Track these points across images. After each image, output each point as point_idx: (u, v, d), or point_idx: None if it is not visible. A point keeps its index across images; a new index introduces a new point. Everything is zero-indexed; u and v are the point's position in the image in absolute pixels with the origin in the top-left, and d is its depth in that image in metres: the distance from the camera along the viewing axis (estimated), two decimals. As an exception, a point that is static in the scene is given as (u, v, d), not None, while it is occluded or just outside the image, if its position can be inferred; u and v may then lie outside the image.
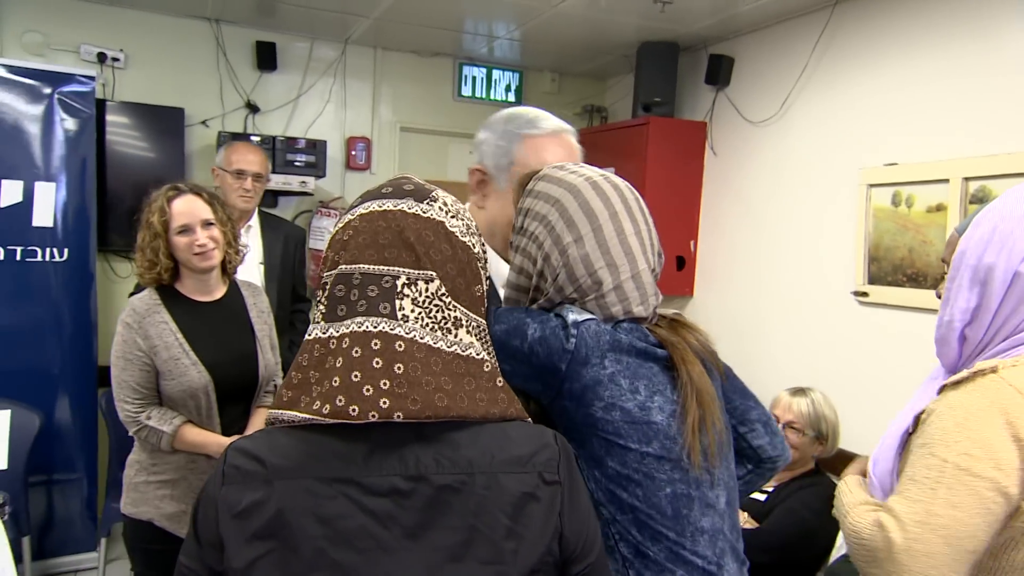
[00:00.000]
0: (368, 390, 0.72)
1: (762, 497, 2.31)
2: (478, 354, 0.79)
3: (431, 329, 0.77)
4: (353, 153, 3.81)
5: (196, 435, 1.87)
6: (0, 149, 2.91)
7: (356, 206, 0.83)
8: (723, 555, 0.98)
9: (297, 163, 3.54)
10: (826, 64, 2.97)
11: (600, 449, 0.95)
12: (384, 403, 0.72)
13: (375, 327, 0.75)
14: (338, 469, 0.73)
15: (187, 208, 1.88)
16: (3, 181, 2.92)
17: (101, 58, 3.26)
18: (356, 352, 0.74)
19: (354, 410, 0.71)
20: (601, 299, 1.00)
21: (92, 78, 3.07)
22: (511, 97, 4.14)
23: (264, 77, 3.62)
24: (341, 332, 0.76)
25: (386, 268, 0.77)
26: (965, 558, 0.93)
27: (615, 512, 0.96)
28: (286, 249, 2.87)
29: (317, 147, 3.57)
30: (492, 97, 4.10)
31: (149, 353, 1.84)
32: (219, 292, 2.00)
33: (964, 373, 1.01)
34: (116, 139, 3.28)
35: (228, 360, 1.90)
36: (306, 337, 0.79)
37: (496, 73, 4.10)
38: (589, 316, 0.98)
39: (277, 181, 3.45)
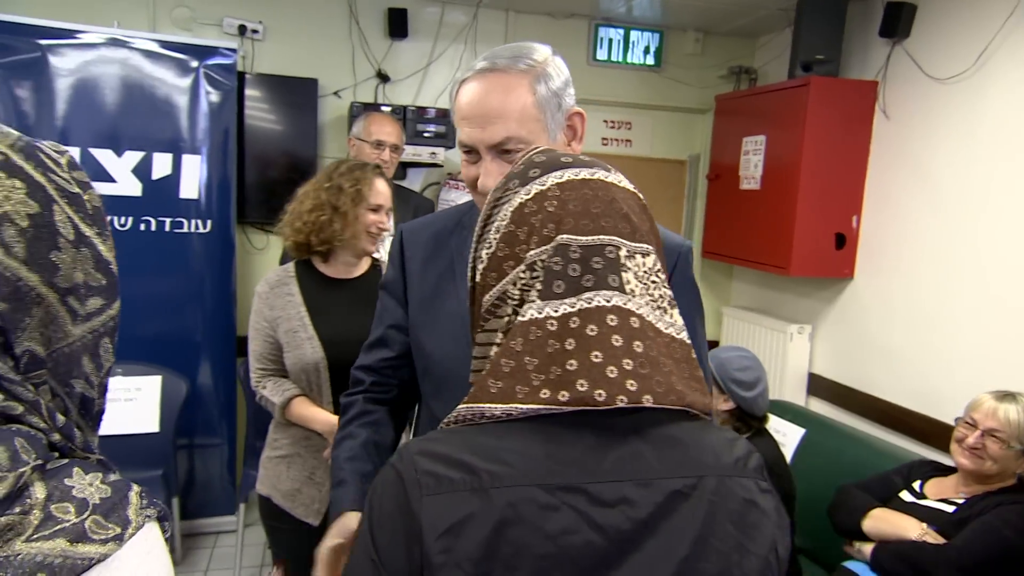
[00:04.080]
0: (612, 371, 0.64)
1: (950, 508, 2.00)
2: (688, 339, 0.72)
3: (652, 307, 0.69)
4: (483, 123, 3.68)
5: (305, 409, 1.83)
6: (153, 123, 3.01)
7: (537, 177, 0.72)
8: None
9: (427, 134, 3.45)
10: (1040, 7, 2.49)
11: None
12: (632, 385, 0.64)
13: (608, 301, 0.67)
14: (562, 475, 0.63)
15: (384, 191, 1.92)
16: (155, 154, 3.03)
17: (242, 30, 3.30)
18: (591, 330, 0.65)
19: (600, 395, 0.63)
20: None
21: (234, 51, 3.10)
22: (649, 60, 3.85)
23: (395, 45, 3.55)
24: (563, 312, 0.66)
25: (607, 237, 0.69)
26: None
27: None
28: None
29: (448, 117, 3.47)
30: (629, 60, 3.83)
31: (272, 324, 1.85)
32: (357, 272, 1.97)
33: None
34: (253, 112, 3.32)
35: (349, 340, 1.80)
36: (519, 319, 0.68)
37: (634, 34, 3.81)
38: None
39: (407, 152, 3.37)
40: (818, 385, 3.44)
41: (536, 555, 0.60)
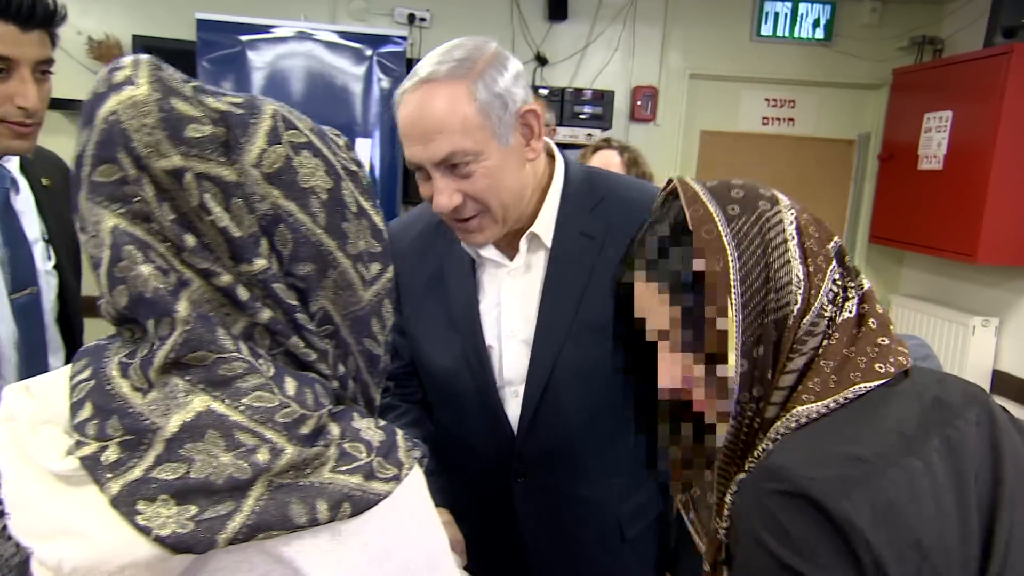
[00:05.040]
0: (900, 347, 0.73)
1: None
2: None
3: None
4: (638, 103, 3.66)
5: None
6: (331, 108, 3.26)
7: (769, 194, 0.76)
8: None
9: (583, 115, 3.48)
10: None
11: None
12: (902, 347, 0.72)
13: (867, 284, 0.76)
14: (923, 436, 0.65)
15: (599, 161, 1.97)
16: (332, 138, 3.27)
17: (411, 19, 3.48)
18: (878, 308, 0.74)
19: (905, 360, 0.71)
20: None
21: (404, 38, 3.28)
22: (819, 34, 3.65)
23: (554, 28, 3.59)
24: (853, 306, 0.74)
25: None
26: None
27: None
28: None
29: (604, 98, 3.47)
30: (796, 35, 3.65)
31: None
32: None
33: None
34: (420, 97, 3.50)
35: None
36: (842, 318, 0.72)
37: (803, 6, 3.62)
38: None
39: (563, 134, 3.42)
40: (1005, 384, 3.14)
41: (935, 520, 0.61)
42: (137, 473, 0.52)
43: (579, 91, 3.48)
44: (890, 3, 3.61)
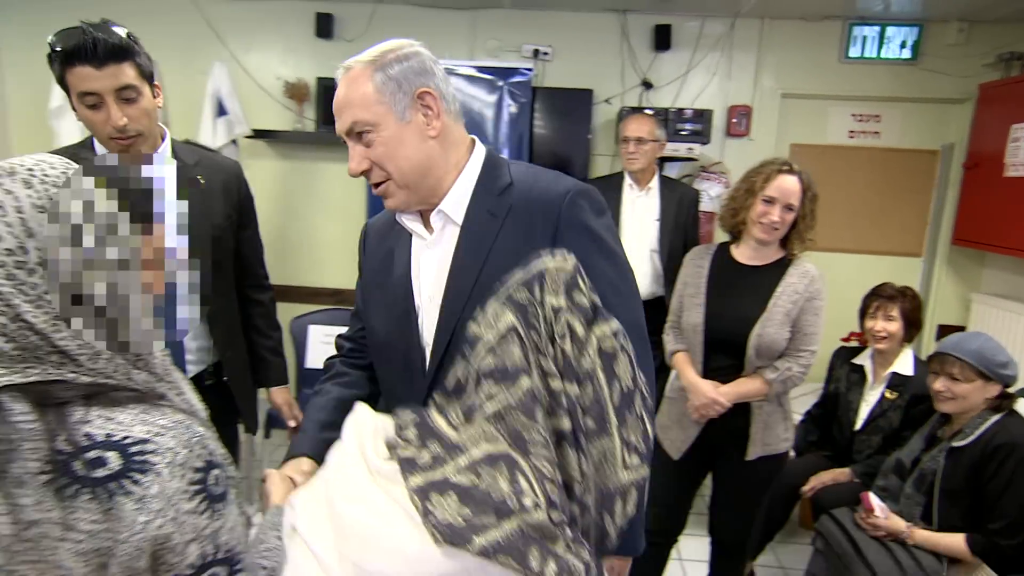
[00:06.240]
0: None
1: None
2: None
3: None
4: (734, 120, 4.11)
5: (682, 364, 2.19)
6: (468, 131, 3.87)
7: None
8: None
9: (684, 131, 3.96)
10: None
11: None
12: None
13: None
14: None
15: (783, 185, 2.05)
16: (466, 155, 3.91)
17: (535, 53, 4.09)
18: None
19: None
20: None
21: (530, 70, 3.89)
22: (905, 54, 3.97)
23: (658, 56, 4.10)
24: None
25: None
26: None
27: None
28: (680, 208, 3.24)
29: (703, 116, 3.95)
30: (883, 56, 3.98)
31: (684, 288, 2.26)
32: (762, 260, 2.14)
33: None
34: (539, 119, 4.09)
35: (724, 315, 2.12)
36: None
37: (890, 30, 3.95)
38: None
39: (667, 148, 3.92)
40: (1082, 377, 3.36)
41: None
42: (439, 475, 0.63)
43: (681, 111, 3.98)
44: (976, 23, 3.88)
